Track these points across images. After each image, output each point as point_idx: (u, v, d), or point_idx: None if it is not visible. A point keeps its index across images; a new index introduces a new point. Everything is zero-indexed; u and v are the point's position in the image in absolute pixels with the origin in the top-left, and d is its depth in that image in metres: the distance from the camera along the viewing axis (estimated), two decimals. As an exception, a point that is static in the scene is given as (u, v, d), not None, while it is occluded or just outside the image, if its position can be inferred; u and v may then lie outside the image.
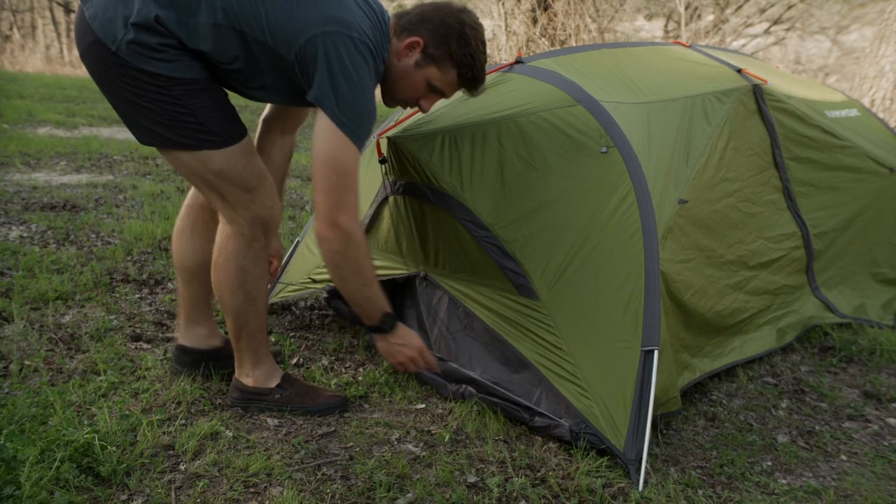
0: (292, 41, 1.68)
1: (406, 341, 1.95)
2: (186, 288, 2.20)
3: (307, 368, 2.39)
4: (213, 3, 1.67)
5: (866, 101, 5.61)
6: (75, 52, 18.19)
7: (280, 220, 1.98)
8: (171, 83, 1.71)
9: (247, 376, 2.08)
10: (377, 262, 2.48)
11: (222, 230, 1.93)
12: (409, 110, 2.29)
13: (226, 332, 2.22)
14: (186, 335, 2.24)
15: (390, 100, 1.94)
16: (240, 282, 1.93)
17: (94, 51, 1.71)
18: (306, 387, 2.13)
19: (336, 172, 1.71)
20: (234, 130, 1.83)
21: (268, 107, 2.15)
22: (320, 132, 1.71)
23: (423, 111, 1.95)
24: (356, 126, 1.71)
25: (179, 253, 2.16)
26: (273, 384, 2.08)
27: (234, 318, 1.99)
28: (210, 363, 2.23)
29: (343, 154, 1.70)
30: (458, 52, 1.83)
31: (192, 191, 2.12)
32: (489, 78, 2.37)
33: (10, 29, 18.96)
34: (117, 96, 1.76)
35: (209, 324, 2.25)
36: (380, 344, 1.97)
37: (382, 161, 2.32)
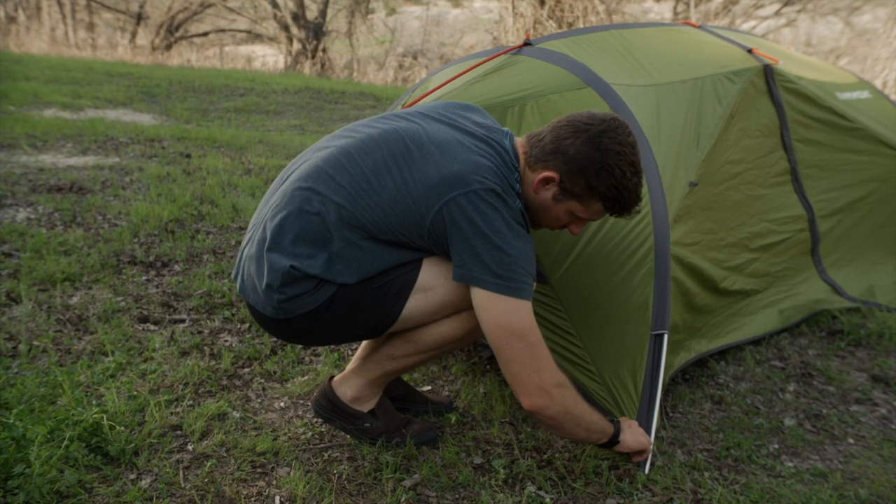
0: (417, 227, 1.59)
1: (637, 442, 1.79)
2: None
3: (315, 354, 2.39)
4: (341, 231, 1.58)
5: (879, 83, 5.56)
6: (80, 34, 18.14)
7: None
8: (327, 304, 1.64)
9: (351, 388, 1.87)
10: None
11: None
12: (422, 90, 2.26)
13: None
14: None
15: (533, 226, 1.74)
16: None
17: (268, 322, 1.69)
18: (396, 419, 1.92)
19: (515, 336, 1.55)
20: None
21: None
22: (480, 302, 1.57)
23: (574, 234, 1.76)
24: (511, 280, 1.54)
25: None
26: (367, 408, 1.88)
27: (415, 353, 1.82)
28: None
29: (512, 316, 1.55)
30: (600, 185, 1.60)
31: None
32: (497, 61, 2.35)
33: (15, 10, 18.89)
34: (324, 328, 1.70)
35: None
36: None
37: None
